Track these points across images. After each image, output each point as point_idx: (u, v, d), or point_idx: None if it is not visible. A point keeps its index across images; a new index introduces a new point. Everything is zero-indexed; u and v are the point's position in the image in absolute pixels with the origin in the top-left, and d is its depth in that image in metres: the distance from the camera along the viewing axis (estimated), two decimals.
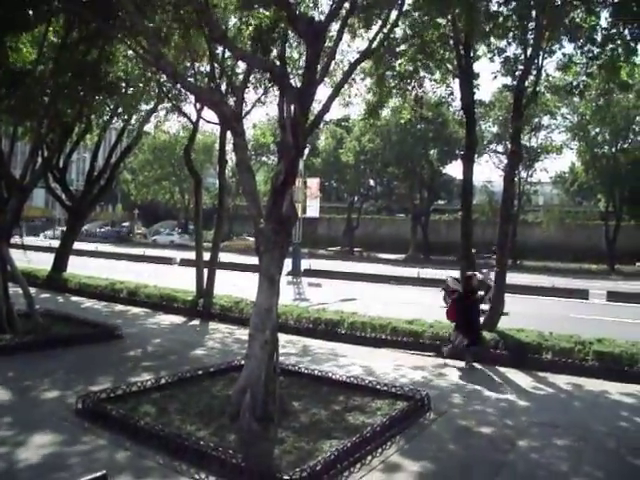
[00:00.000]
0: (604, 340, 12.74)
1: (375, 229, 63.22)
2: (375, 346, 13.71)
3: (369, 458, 7.08)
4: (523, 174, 50.38)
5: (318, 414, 8.44)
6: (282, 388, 9.26)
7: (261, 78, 17.72)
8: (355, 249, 57.74)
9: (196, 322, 16.83)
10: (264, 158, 63.97)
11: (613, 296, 26.06)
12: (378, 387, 9.62)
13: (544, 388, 10.92)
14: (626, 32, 13.78)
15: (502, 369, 12.06)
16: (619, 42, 13.97)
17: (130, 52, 16.86)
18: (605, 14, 13.90)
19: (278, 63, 10.28)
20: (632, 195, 46.05)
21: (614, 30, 13.88)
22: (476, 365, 12.35)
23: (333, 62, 15.19)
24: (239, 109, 10.09)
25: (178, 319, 17.16)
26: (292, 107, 8.53)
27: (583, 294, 26.58)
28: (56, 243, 31.85)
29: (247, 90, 18.58)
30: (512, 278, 26.73)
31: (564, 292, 26.88)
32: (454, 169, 51.24)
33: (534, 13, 13.82)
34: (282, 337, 13.13)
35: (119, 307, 18.90)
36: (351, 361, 12.29)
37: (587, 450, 7.84)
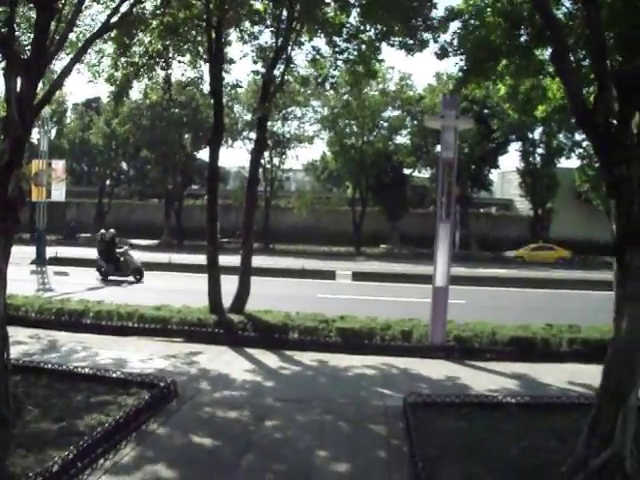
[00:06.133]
0: (346, 317, 13.58)
1: (128, 214, 60.93)
2: (122, 335, 13.17)
3: (112, 453, 6.77)
4: (276, 161, 51.95)
5: (59, 413, 7.84)
6: (18, 387, 8.51)
7: None
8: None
9: None
10: None
11: (358, 276, 27.88)
12: (123, 377, 9.27)
13: (291, 366, 11.30)
14: (372, 32, 14.64)
15: (251, 350, 12.23)
16: (365, 39, 14.80)
17: None
18: (355, 13, 14.62)
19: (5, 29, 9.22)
20: (376, 183, 49.87)
21: (362, 28, 14.67)
22: (225, 348, 12.41)
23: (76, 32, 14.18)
24: None
25: None
26: (19, 80, 7.78)
27: (330, 275, 28.02)
28: None
29: None
30: (264, 261, 27.62)
31: (313, 274, 28.02)
32: (208, 154, 51.15)
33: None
34: (23, 331, 12.47)
35: None
36: (98, 352, 11.64)
37: (329, 422, 8.28)
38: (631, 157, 6.61)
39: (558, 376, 10.93)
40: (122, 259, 25.06)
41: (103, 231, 26.79)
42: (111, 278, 24.75)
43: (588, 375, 9.65)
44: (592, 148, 9.55)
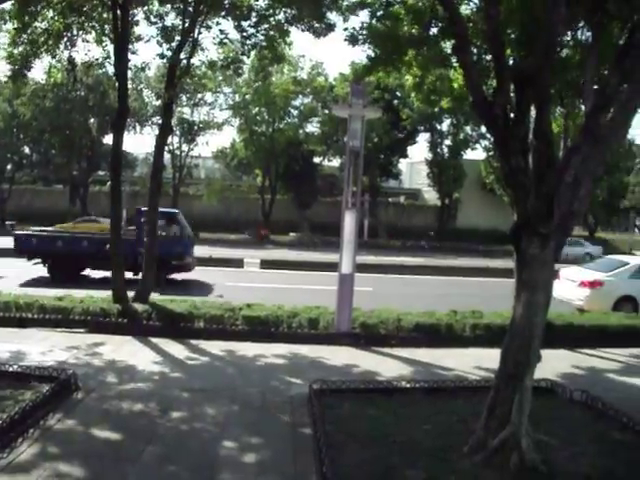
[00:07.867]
0: (252, 305, 13.51)
1: (30, 200, 58.47)
2: (22, 326, 12.55)
3: (6, 452, 6.46)
4: (184, 148, 51.19)
5: None
6: None
7: None
8: (7, 222, 53.01)
9: None
10: None
11: (266, 264, 27.87)
12: (21, 371, 8.86)
13: (197, 356, 11.17)
14: (281, 15, 14.52)
15: (155, 340, 12.00)
16: (274, 23, 14.66)
17: None
18: None
19: None
20: (286, 172, 49.95)
21: (270, 11, 14.51)
22: (129, 338, 12.13)
23: None
24: None
25: None
26: None
27: (239, 263, 27.91)
28: None
29: None
30: None
31: (221, 262, 27.78)
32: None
33: None
34: None
35: None
36: None
37: (235, 411, 8.24)
38: (527, 148, 6.86)
39: (461, 361, 11.29)
40: None
41: None
42: None
43: (490, 359, 9.95)
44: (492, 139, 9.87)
